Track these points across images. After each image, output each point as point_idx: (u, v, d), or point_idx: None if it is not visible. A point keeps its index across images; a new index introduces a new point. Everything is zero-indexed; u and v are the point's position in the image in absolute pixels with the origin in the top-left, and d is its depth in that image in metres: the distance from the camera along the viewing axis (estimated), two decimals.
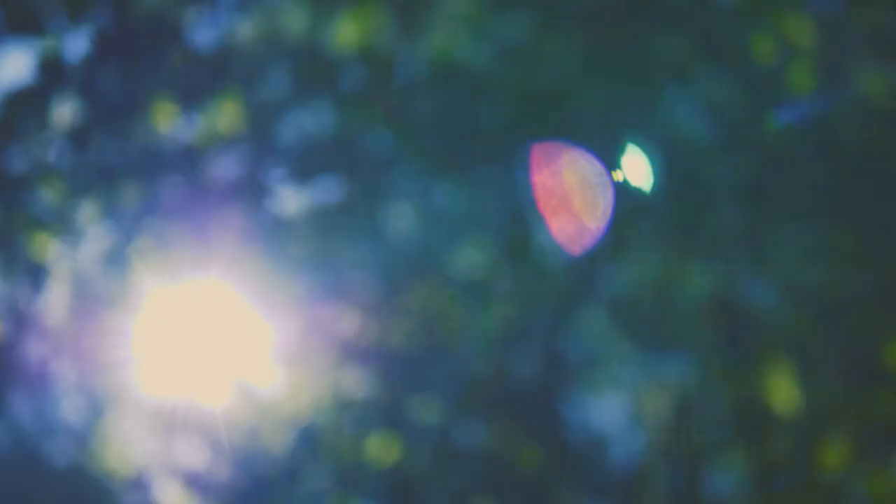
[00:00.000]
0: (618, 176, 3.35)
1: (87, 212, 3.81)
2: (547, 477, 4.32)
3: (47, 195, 3.70)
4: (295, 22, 3.93)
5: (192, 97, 3.62)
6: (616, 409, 4.54)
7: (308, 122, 3.87)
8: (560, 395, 4.46)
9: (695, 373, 4.47)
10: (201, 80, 3.61)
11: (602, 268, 4.36)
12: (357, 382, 4.33)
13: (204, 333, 4.16)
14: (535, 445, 4.32)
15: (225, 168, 3.78)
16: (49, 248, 3.82)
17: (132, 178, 3.67)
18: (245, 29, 3.86)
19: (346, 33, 3.95)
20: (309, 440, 4.30)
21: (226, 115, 3.73)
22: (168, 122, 3.68)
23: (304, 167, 3.83)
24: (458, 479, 4.27)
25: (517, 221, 4.08)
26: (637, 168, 3.52)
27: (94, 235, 3.94)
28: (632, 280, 4.39)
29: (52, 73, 3.46)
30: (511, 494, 4.29)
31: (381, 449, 4.27)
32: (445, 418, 4.28)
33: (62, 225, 3.77)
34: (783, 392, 4.34)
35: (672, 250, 4.30)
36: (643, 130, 3.98)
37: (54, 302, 4.12)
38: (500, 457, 4.27)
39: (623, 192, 3.50)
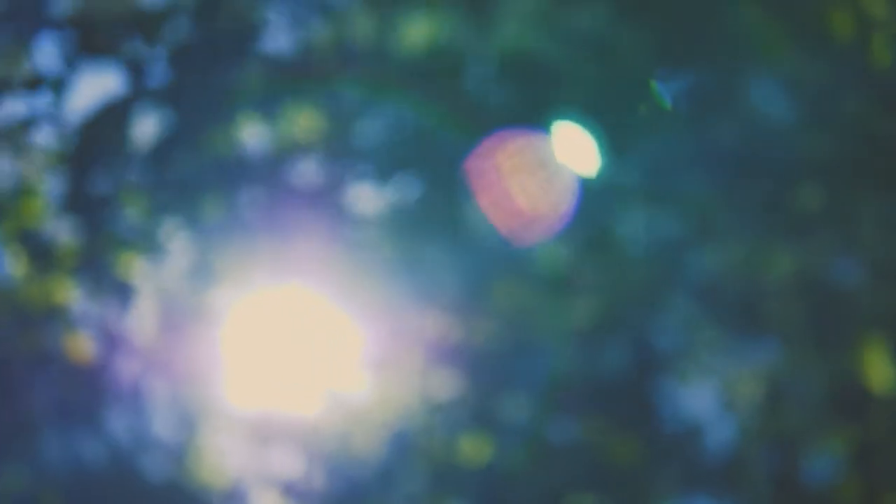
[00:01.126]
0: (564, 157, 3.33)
1: (170, 228, 3.83)
2: (643, 468, 4.29)
3: (130, 213, 3.73)
4: (363, 25, 3.93)
5: (269, 106, 3.63)
6: (708, 397, 4.49)
7: (384, 124, 3.87)
8: (651, 386, 4.42)
9: (786, 355, 4.41)
10: (277, 88, 3.62)
11: (686, 254, 4.31)
12: (446, 384, 4.32)
13: (292, 342, 4.17)
14: (629, 437, 4.29)
15: (305, 174, 3.78)
16: (135, 266, 3.84)
17: (213, 191, 3.68)
18: (317, 35, 3.86)
19: (414, 33, 3.93)
20: (401, 444, 4.30)
21: (303, 121, 3.73)
22: (247, 133, 3.69)
23: (383, 169, 3.82)
24: (552, 475, 4.25)
25: (599, 213, 4.05)
26: (580, 149, 3.48)
27: (179, 250, 3.96)
28: (717, 265, 4.34)
29: (130, 92, 3.48)
30: (608, 488, 4.26)
31: (473, 449, 4.26)
32: (536, 415, 4.26)
33: (146, 242, 3.80)
34: (878, 370, 4.28)
35: (757, 232, 4.25)
36: (723, 111, 3.93)
37: (143, 319, 4.15)
38: (595, 451, 4.24)
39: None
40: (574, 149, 3.54)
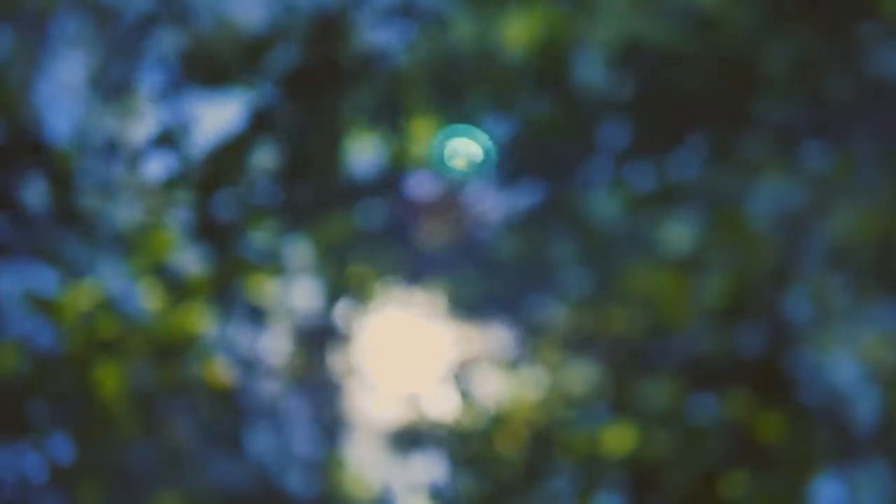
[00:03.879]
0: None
1: (298, 248, 3.85)
2: (791, 442, 4.22)
3: (258, 237, 3.76)
4: (464, 31, 3.91)
5: (384, 120, 3.63)
6: (850, 365, 4.41)
7: (499, 127, 3.85)
8: (790, 359, 4.35)
9: None
10: (389, 101, 3.62)
11: (814, 222, 4.24)
12: (583, 375, 4.29)
13: (426, 348, 4.17)
14: (774, 412, 4.22)
15: (426, 182, 3.78)
16: (266, 288, 3.87)
17: (338, 208, 3.69)
18: (419, 46, 3.85)
19: (516, 33, 3.90)
20: (543, 440, 4.28)
21: (420, 130, 3.73)
22: (365, 148, 3.70)
23: (503, 171, 3.81)
24: (700, 457, 4.20)
25: (723, 191, 3.99)
26: (468, 152, 3.46)
27: (307, 268, 3.98)
28: (847, 230, 4.26)
29: (250, 119, 3.51)
30: (758, 465, 4.20)
31: (617, 439, 4.22)
32: (678, 398, 4.21)
33: (276, 263, 3.82)
34: None
35: (884, 193, 4.16)
36: (838, 77, 3.85)
37: (278, 339, 4.18)
38: (741, 428, 4.18)
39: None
40: (465, 151, 3.57)
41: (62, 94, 3.77)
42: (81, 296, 3.88)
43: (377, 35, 3.64)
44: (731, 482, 4.15)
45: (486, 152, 3.53)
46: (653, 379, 4.26)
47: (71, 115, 3.68)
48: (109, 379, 3.88)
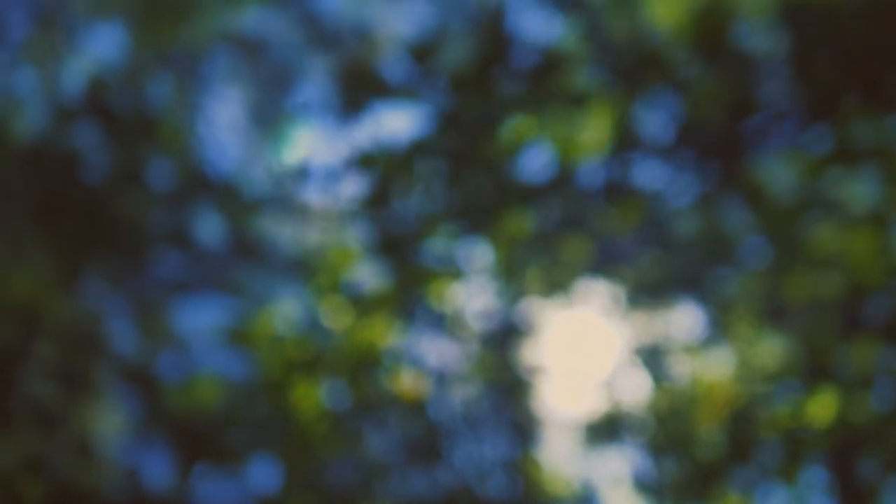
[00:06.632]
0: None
1: (473, 251, 3.85)
2: None
3: (436, 244, 3.77)
4: (613, 16, 3.83)
5: (553, 112, 3.59)
6: None
7: (667, 106, 3.77)
8: None
9: None
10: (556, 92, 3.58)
11: None
12: (778, 346, 4.18)
13: (611, 337, 4.12)
14: None
15: (595, 174, 3.73)
16: (448, 293, 3.88)
17: (513, 207, 3.68)
18: (567, 33, 3.81)
19: (667, 9, 3.81)
20: (743, 417, 4.18)
21: (593, 120, 3.68)
22: (530, 142, 3.67)
23: (677, 150, 3.73)
24: None
25: None
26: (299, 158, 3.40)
27: (486, 270, 3.97)
28: None
29: (418, 127, 3.52)
30: None
31: (820, 408, 4.10)
32: (882, 363, 4.06)
33: (455, 269, 3.83)
34: None
35: None
36: None
37: (463, 344, 4.19)
38: None
39: None
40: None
41: (224, 130, 3.84)
42: (270, 322, 3.95)
43: (536, 27, 3.61)
44: None
45: (329, 159, 3.55)
46: (853, 341, 4.11)
47: (235, 148, 3.75)
48: (306, 400, 3.95)
